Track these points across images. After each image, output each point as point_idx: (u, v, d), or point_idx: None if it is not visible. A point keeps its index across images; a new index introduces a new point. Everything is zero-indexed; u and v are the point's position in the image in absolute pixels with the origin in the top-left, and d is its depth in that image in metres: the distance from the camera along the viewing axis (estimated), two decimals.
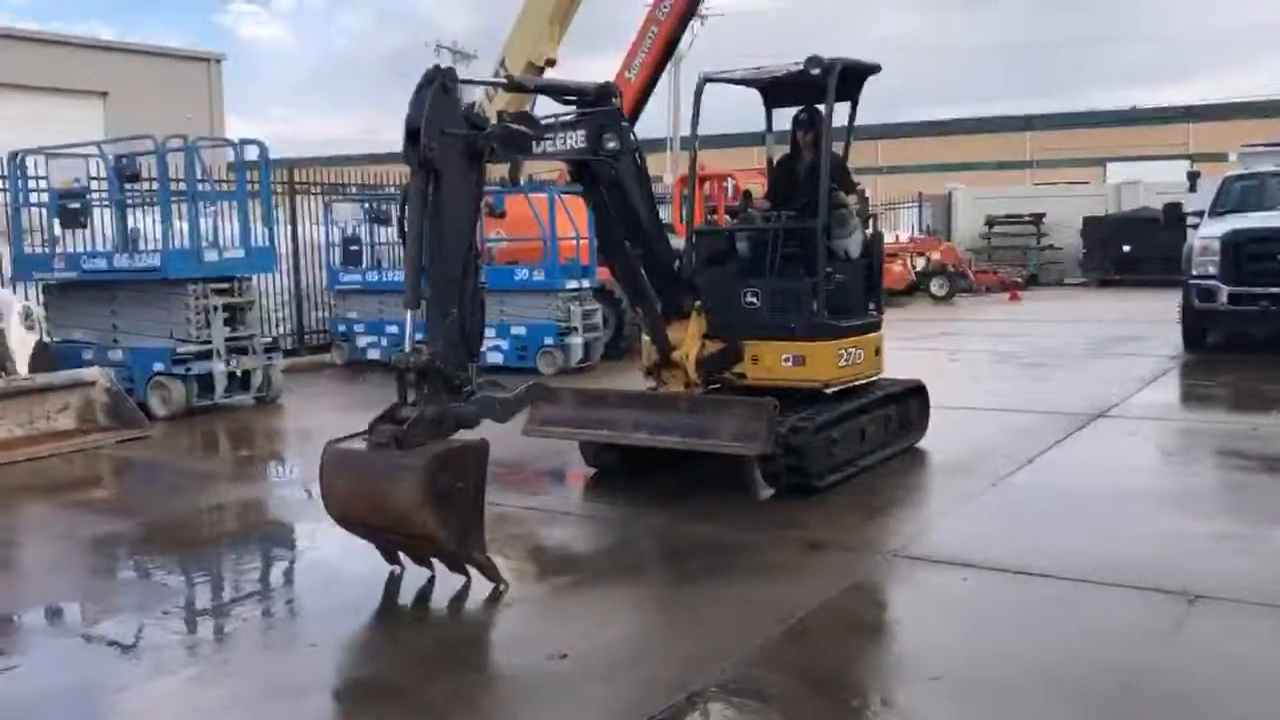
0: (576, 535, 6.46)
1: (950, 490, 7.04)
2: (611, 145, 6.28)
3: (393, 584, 5.32)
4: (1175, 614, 4.63)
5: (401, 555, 5.36)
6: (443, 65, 5.40)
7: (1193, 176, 17.45)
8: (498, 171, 10.63)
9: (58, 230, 11.37)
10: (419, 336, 5.24)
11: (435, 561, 5.27)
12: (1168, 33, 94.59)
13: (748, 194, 8.80)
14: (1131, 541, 5.67)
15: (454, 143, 5.19)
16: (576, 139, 6.17)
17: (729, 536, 5.98)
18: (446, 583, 5.27)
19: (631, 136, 6.46)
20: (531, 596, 5.32)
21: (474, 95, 5.86)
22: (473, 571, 5.16)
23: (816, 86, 7.13)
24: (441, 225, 5.16)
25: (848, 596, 5.06)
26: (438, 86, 5.13)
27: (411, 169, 5.14)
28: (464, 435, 5.22)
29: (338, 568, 5.84)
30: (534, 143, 5.89)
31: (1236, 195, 13.75)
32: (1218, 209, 13.52)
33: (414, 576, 5.33)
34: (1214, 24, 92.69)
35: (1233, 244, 12.36)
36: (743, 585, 5.20)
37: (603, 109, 6.36)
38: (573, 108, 6.41)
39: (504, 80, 6.41)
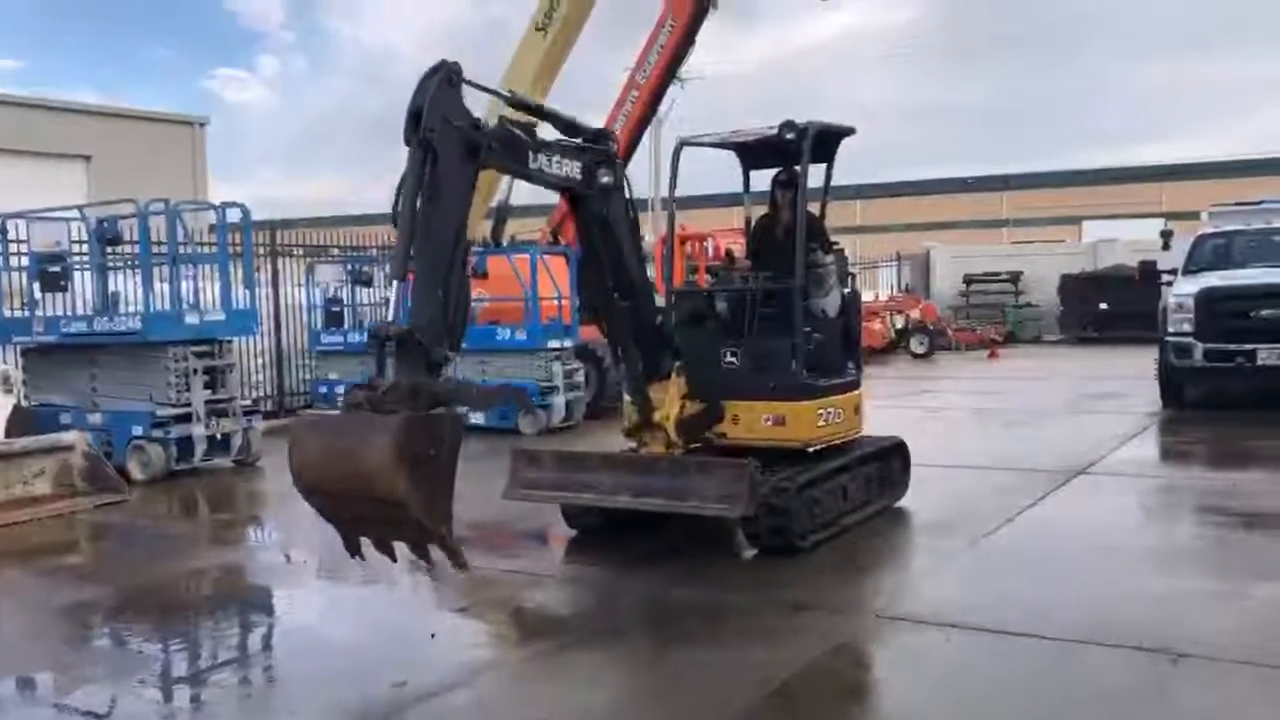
0: (558, 599, 6.41)
1: (932, 549, 7.04)
2: (605, 180, 6.38)
3: (372, 649, 5.26)
4: (1159, 673, 4.62)
5: (364, 547, 5.18)
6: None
7: (1166, 235, 17.70)
8: (480, 232, 10.70)
9: (38, 293, 11.35)
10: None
11: (400, 559, 5.12)
12: (1141, 95, 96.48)
13: (730, 254, 8.88)
14: (1114, 600, 5.67)
15: (454, 131, 5.26)
16: (572, 169, 6.24)
17: (712, 598, 5.95)
18: (426, 647, 5.22)
19: (625, 179, 6.56)
20: (512, 661, 5.27)
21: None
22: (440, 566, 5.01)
23: (792, 149, 7.24)
24: (435, 206, 5.19)
25: (832, 658, 5.03)
26: (443, 76, 5.24)
27: (410, 150, 5.20)
28: None
29: (317, 633, 5.78)
30: (530, 155, 5.92)
31: (1209, 254, 13.94)
32: (1191, 267, 13.69)
33: (393, 642, 5.27)
34: (1185, 87, 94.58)
35: (1206, 301, 12.51)
36: (726, 648, 5.16)
37: (601, 147, 6.47)
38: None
39: (507, 94, 6.47)
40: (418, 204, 5.18)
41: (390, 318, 5.17)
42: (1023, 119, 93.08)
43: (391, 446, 4.66)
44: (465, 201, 5.46)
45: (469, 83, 5.49)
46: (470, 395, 5.31)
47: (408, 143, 5.21)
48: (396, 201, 5.27)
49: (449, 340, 5.25)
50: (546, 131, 6.31)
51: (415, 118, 5.17)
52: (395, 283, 5.20)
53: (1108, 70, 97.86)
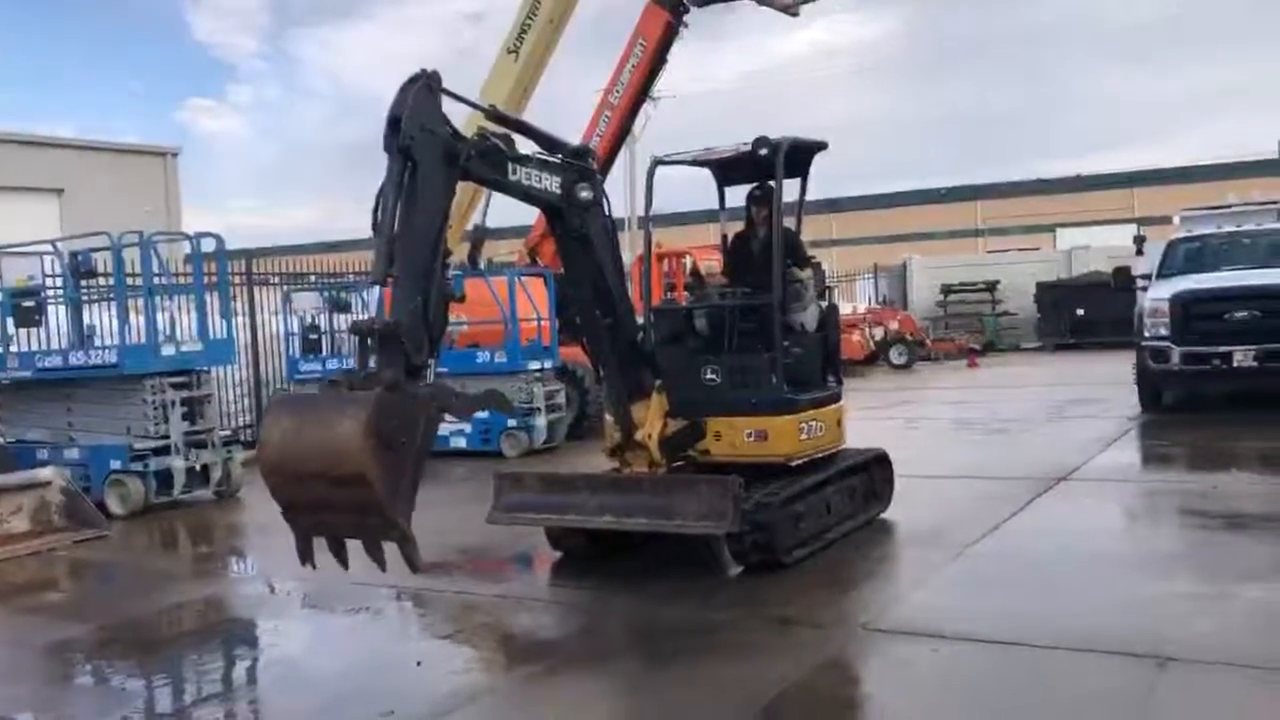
0: (545, 622, 6.38)
1: (917, 561, 7.04)
2: (584, 195, 6.38)
3: (359, 678, 5.22)
4: (1147, 678, 4.63)
5: (316, 550, 5.06)
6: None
7: (1139, 241, 17.84)
8: (458, 255, 10.68)
9: (11, 329, 11.26)
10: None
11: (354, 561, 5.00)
12: (1109, 102, 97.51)
13: (697, 271, 8.90)
14: (1100, 606, 5.68)
15: (433, 138, 5.29)
16: (552, 183, 6.25)
17: (699, 617, 5.93)
18: (412, 674, 5.18)
19: (605, 195, 6.58)
20: (501, 687, 5.23)
21: None
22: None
23: (766, 165, 7.27)
24: (414, 213, 5.20)
25: (820, 674, 5.02)
26: (422, 85, 5.28)
27: (390, 157, 5.22)
28: None
29: (302, 665, 5.73)
30: (510, 167, 5.93)
31: (1181, 258, 14.05)
32: (1164, 271, 13.81)
33: (380, 671, 5.22)
34: (1152, 93, 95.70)
35: (1181, 305, 12.60)
36: (714, 666, 5.14)
37: (580, 163, 6.49)
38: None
39: (487, 107, 6.50)
40: (398, 211, 5.19)
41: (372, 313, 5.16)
42: (987, 130, 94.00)
43: (364, 419, 4.59)
44: (444, 209, 5.47)
45: (448, 93, 5.51)
46: (450, 399, 5.29)
47: (387, 150, 5.23)
48: (376, 209, 5.28)
49: (427, 345, 5.25)
50: (525, 147, 6.32)
51: (394, 125, 5.20)
52: (376, 287, 5.20)
53: (1074, 79, 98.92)
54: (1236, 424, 12.06)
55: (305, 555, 5.10)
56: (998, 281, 29.95)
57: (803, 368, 7.37)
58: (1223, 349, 12.23)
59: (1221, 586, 5.93)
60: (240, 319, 14.29)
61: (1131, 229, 30.43)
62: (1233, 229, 14.37)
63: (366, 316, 5.15)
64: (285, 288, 15.63)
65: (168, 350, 10.56)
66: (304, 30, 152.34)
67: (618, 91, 15.75)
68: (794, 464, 7.13)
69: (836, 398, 7.74)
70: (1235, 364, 12.16)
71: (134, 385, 10.41)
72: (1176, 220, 15.86)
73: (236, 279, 14.46)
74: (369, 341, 5.06)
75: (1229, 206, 15.54)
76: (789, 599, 6.12)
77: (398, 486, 4.74)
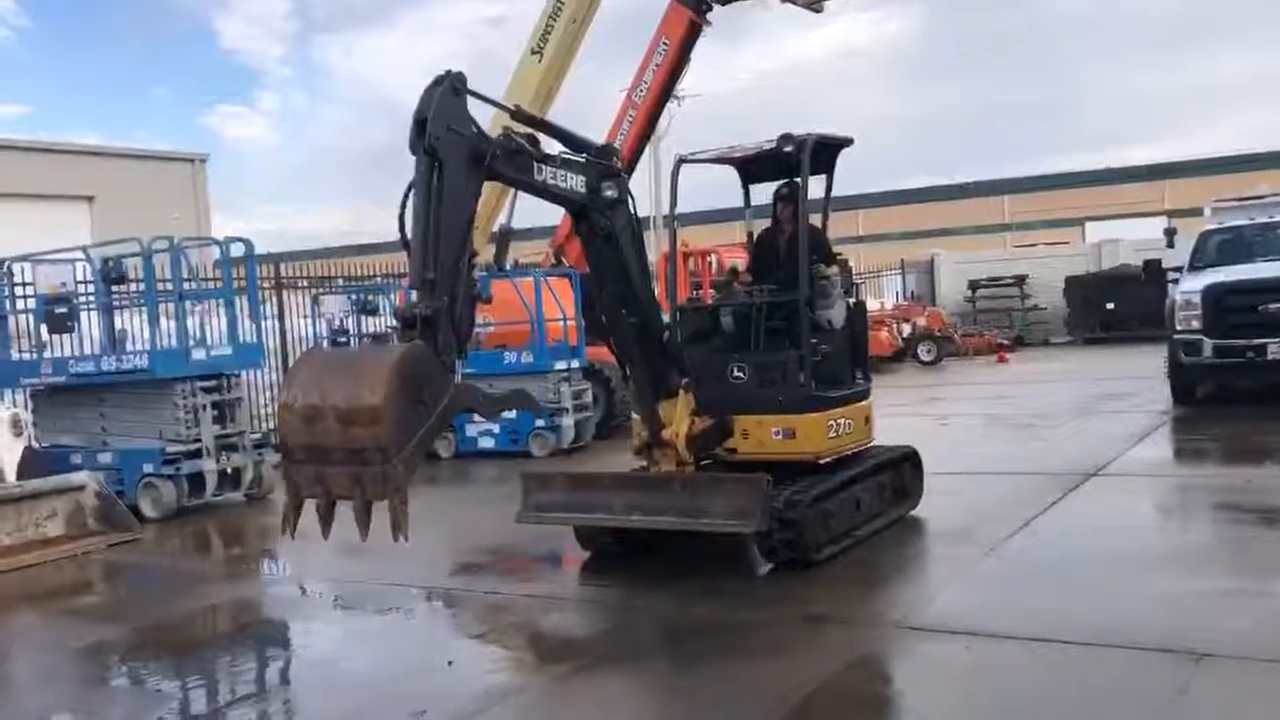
0: (575, 621, 6.38)
1: (948, 558, 6.99)
2: (610, 193, 6.42)
3: (391, 679, 5.24)
4: (1182, 675, 4.57)
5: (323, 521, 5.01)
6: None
7: (1170, 233, 17.64)
8: (483, 256, 10.73)
9: (45, 335, 11.38)
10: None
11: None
12: (1123, 98, 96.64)
13: (734, 270, 8.88)
14: (1133, 602, 5.62)
15: (458, 140, 5.32)
16: (577, 182, 6.27)
17: (728, 615, 5.91)
18: (443, 675, 5.19)
19: (630, 193, 6.59)
20: (531, 686, 5.24)
21: None
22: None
23: (791, 162, 7.25)
24: (441, 213, 5.23)
25: (850, 672, 4.99)
26: (447, 85, 5.31)
27: (416, 158, 5.25)
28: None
29: (334, 666, 5.76)
30: (535, 166, 5.94)
31: (1213, 250, 13.90)
32: (1196, 264, 13.65)
33: (411, 672, 5.23)
34: (1182, 84, 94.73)
35: (1213, 298, 12.46)
36: (744, 665, 5.13)
37: (605, 162, 6.51)
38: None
39: (511, 107, 6.52)
40: (428, 211, 5.22)
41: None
42: (1014, 124, 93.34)
43: (395, 359, 4.75)
44: (470, 209, 5.50)
45: (473, 93, 5.52)
46: (478, 399, 5.35)
47: (413, 151, 5.25)
48: (403, 210, 5.31)
49: (454, 344, 5.27)
50: (550, 147, 6.33)
51: (420, 126, 5.23)
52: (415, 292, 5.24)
53: (1096, 73, 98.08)
54: (1270, 417, 11.90)
55: (289, 520, 5.05)
56: (1026, 276, 29.69)
57: (830, 365, 7.34)
58: (1256, 341, 12.06)
59: (1257, 582, 5.86)
60: (269, 322, 14.39)
61: (1161, 221, 30.19)
62: (1265, 220, 14.19)
63: (408, 303, 5.22)
64: (313, 291, 15.73)
65: (198, 354, 10.64)
66: (329, 37, 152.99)
67: (641, 91, 15.73)
68: (823, 462, 7.10)
69: (865, 395, 7.70)
70: (1270, 356, 11.99)
71: (165, 389, 10.50)
72: (1207, 212, 15.66)
73: (265, 283, 14.57)
74: (415, 328, 5.09)
75: (1261, 198, 15.32)
76: (819, 597, 6.10)
77: (408, 438, 4.75)
